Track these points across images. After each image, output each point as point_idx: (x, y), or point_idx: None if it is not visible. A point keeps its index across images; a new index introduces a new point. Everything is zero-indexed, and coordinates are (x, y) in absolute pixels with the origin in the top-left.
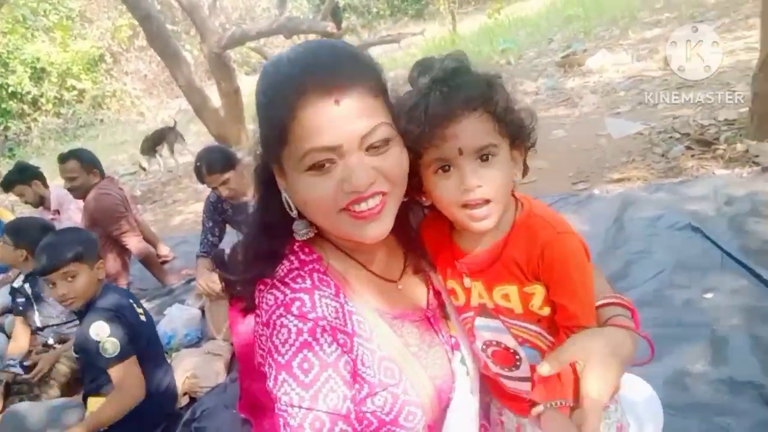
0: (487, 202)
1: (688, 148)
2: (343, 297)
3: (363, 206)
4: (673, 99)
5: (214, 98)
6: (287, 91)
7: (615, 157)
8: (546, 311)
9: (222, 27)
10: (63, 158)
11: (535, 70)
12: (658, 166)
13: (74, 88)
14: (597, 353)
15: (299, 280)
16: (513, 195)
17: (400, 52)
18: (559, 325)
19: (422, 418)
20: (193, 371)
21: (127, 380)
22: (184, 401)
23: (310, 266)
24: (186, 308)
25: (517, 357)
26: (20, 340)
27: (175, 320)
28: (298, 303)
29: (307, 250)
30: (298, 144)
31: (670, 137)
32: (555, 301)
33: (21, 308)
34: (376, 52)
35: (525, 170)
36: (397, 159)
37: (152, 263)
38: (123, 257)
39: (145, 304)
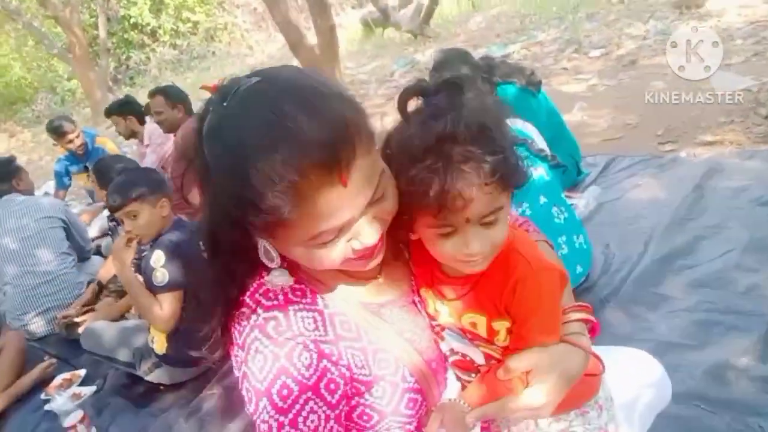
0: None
1: None
2: (322, 302)
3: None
4: None
5: (313, 35)
6: (285, 176)
7: (713, 116)
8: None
9: None
10: (151, 93)
11: (648, 10)
12: (758, 130)
13: (189, 20)
14: (540, 369)
15: (271, 296)
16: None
17: None
18: (514, 348)
19: (423, 403)
20: None
21: (163, 309)
22: None
23: None
24: None
25: (479, 368)
26: (110, 264)
27: None
28: (272, 323)
29: None
30: (304, 228)
31: None
32: (517, 332)
33: (111, 228)
34: None
35: None
36: (392, 198)
37: None
38: None
39: None
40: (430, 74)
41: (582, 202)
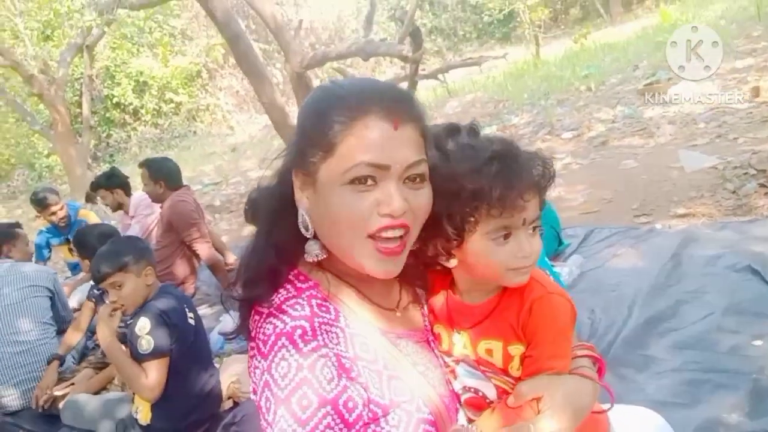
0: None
1: (762, 185)
2: (344, 321)
3: (389, 233)
4: (755, 133)
5: (295, 116)
6: (349, 105)
7: (683, 192)
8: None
9: (312, 47)
10: (139, 165)
11: (615, 97)
12: (727, 203)
13: (172, 101)
14: (552, 397)
15: (297, 307)
16: None
17: (481, 76)
18: (526, 374)
19: None
20: (237, 376)
21: (149, 377)
22: (227, 405)
23: (308, 293)
24: None
25: (492, 406)
26: (81, 324)
27: (229, 326)
28: (299, 331)
29: (302, 278)
30: (348, 155)
31: (745, 173)
32: (530, 355)
33: (96, 296)
34: (458, 75)
35: None
36: (426, 198)
37: (219, 270)
38: (192, 262)
39: (207, 309)
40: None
41: (565, 270)
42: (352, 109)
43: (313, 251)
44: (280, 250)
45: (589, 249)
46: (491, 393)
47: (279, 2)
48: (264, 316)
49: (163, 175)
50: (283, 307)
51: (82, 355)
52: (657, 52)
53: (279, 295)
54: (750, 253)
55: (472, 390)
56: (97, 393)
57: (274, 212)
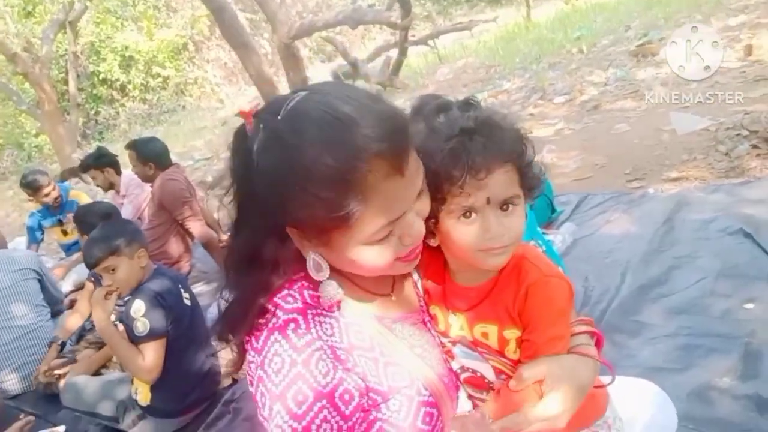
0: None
1: (754, 146)
2: (337, 310)
3: (415, 252)
4: (747, 93)
5: (285, 88)
6: (352, 169)
7: (676, 155)
8: (516, 357)
9: (299, 15)
10: (126, 147)
11: (607, 59)
12: (720, 165)
13: (159, 75)
14: (554, 379)
15: (290, 299)
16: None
17: (472, 40)
18: (525, 357)
19: (439, 417)
20: None
21: (146, 359)
22: (227, 382)
23: (299, 284)
24: None
25: (491, 385)
26: (81, 307)
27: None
28: (292, 325)
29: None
30: (367, 223)
31: (737, 134)
32: (528, 339)
33: (95, 275)
34: (448, 40)
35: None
36: (428, 200)
37: (213, 247)
38: (186, 240)
39: (204, 287)
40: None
41: (558, 238)
42: (357, 174)
43: (329, 293)
44: (261, 292)
45: (582, 216)
46: (489, 374)
47: None
48: (260, 315)
49: (153, 157)
50: (275, 300)
51: (80, 336)
52: (648, 11)
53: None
54: (742, 216)
55: (470, 370)
56: (97, 372)
57: (253, 257)
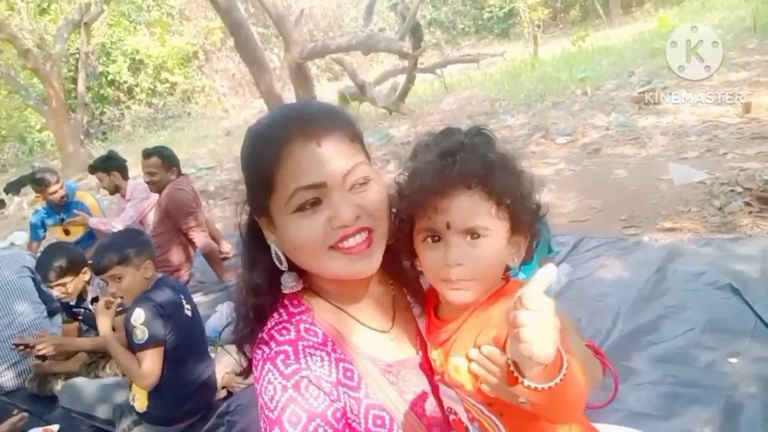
0: (471, 282)
1: (747, 204)
2: (331, 345)
3: (351, 242)
4: (744, 149)
5: None
6: (273, 141)
7: (671, 205)
8: (486, 389)
9: (310, 34)
10: (147, 154)
11: (610, 103)
12: (713, 220)
13: (167, 80)
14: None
15: (284, 332)
16: (505, 279)
17: (478, 72)
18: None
19: None
20: (233, 367)
21: (143, 366)
22: (222, 394)
23: (297, 317)
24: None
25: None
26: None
27: (225, 316)
28: (282, 356)
29: (295, 302)
30: (285, 186)
31: (732, 190)
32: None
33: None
34: (455, 70)
35: (529, 254)
36: (377, 195)
37: (214, 259)
38: (188, 250)
39: (202, 297)
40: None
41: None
42: (276, 144)
43: (288, 284)
44: (258, 290)
45: (578, 258)
46: (463, 415)
47: None
48: (257, 341)
49: (176, 162)
50: (272, 332)
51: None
52: (653, 59)
53: (272, 320)
54: (731, 271)
55: (453, 411)
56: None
57: (250, 258)
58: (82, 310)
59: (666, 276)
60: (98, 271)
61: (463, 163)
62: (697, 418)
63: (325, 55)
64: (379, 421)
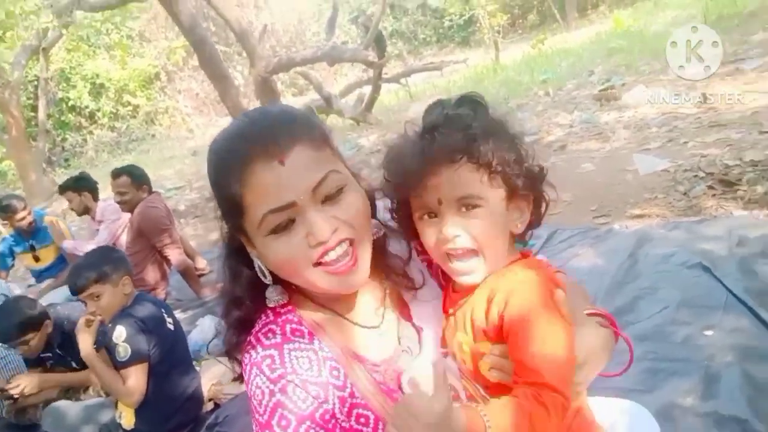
0: (473, 253)
1: (710, 187)
2: (318, 344)
3: (332, 255)
4: (703, 138)
5: None
6: (233, 165)
7: (638, 193)
8: (494, 376)
9: (272, 49)
10: (116, 173)
11: (572, 102)
12: (679, 204)
13: (129, 103)
14: (592, 347)
15: (270, 335)
16: (523, 254)
17: (442, 80)
18: (515, 382)
19: None
20: (219, 379)
21: (128, 383)
22: (209, 406)
23: (284, 317)
24: (218, 320)
25: None
26: None
27: (206, 330)
28: (268, 361)
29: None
30: (254, 211)
31: (695, 176)
32: (515, 359)
33: None
34: (419, 78)
35: (538, 219)
36: (353, 204)
37: (190, 275)
38: (163, 268)
39: (180, 314)
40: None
41: None
42: (236, 166)
43: (273, 297)
44: (241, 302)
45: (552, 249)
46: (462, 394)
47: (239, 4)
48: (244, 347)
49: (147, 181)
50: (258, 335)
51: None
52: (610, 58)
53: (259, 323)
54: (700, 251)
55: (452, 388)
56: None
57: (232, 271)
58: (50, 355)
59: (638, 260)
60: (75, 291)
61: (444, 138)
62: (678, 389)
63: (290, 69)
64: (363, 420)
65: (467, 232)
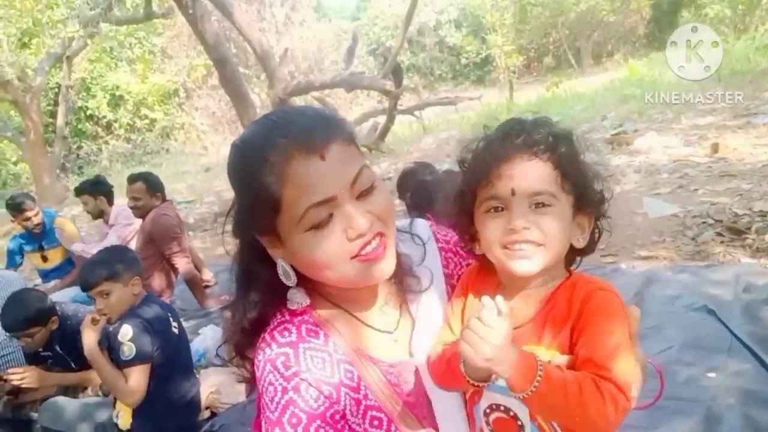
0: (538, 246)
1: (719, 234)
2: (333, 346)
3: (369, 249)
4: (714, 186)
5: None
6: (273, 159)
7: (647, 236)
8: None
9: (291, 75)
10: (132, 179)
11: (592, 149)
12: (687, 249)
13: (146, 117)
14: (640, 369)
15: (285, 333)
16: (567, 270)
17: (456, 115)
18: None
19: None
20: (217, 387)
21: (130, 383)
22: (205, 414)
23: (299, 317)
24: (220, 330)
25: (523, 431)
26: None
27: (208, 339)
28: (282, 358)
29: None
30: (294, 205)
31: (703, 222)
32: (583, 357)
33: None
34: (433, 112)
35: (591, 245)
36: (384, 199)
37: (196, 285)
38: (170, 276)
39: (184, 323)
40: (398, 182)
41: None
42: (276, 162)
43: (296, 300)
44: (259, 308)
45: None
46: (523, 413)
47: (261, 29)
48: (258, 343)
49: (162, 188)
50: (273, 333)
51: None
52: (624, 105)
53: (274, 320)
54: (706, 295)
55: (501, 408)
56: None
57: (248, 275)
58: (50, 353)
59: (644, 299)
60: (86, 286)
61: (530, 132)
62: (680, 429)
63: (308, 92)
64: (376, 422)
65: (536, 227)
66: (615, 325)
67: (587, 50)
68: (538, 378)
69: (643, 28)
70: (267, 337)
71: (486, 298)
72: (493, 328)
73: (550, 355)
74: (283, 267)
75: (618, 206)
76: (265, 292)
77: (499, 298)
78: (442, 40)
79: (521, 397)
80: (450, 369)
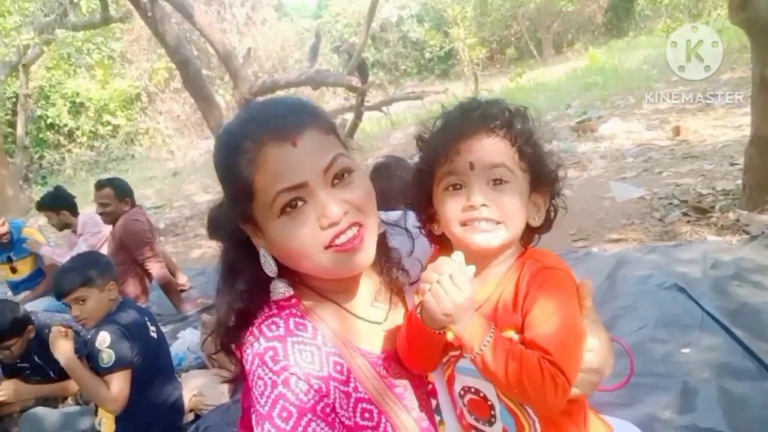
0: (497, 224)
1: (685, 214)
2: (321, 339)
3: (343, 238)
4: (677, 168)
5: None
6: (246, 147)
7: (615, 219)
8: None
9: (255, 75)
10: (99, 185)
11: (550, 132)
12: (655, 230)
13: (109, 123)
14: (605, 351)
15: (273, 327)
16: (524, 247)
17: (422, 109)
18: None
19: None
20: (200, 390)
21: (111, 390)
22: (189, 417)
23: (287, 311)
24: (198, 333)
25: (493, 411)
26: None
27: (187, 343)
28: (270, 353)
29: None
30: (266, 191)
31: (670, 203)
32: (528, 338)
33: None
34: (400, 108)
35: (548, 223)
36: (362, 188)
37: (171, 290)
38: (144, 281)
39: (162, 328)
40: (370, 175)
41: None
42: (248, 149)
43: (278, 290)
44: (245, 299)
45: None
46: (491, 393)
47: (223, 30)
48: (246, 337)
49: (130, 193)
50: (262, 327)
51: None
52: (587, 93)
53: (262, 314)
54: (676, 273)
55: (473, 390)
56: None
57: (233, 267)
58: (27, 365)
59: (616, 281)
60: (61, 293)
61: (487, 108)
62: (658, 403)
63: (274, 91)
64: (367, 415)
65: (494, 204)
66: (560, 304)
67: (548, 41)
68: (485, 343)
69: (601, 16)
70: (255, 330)
71: (457, 252)
72: (459, 288)
73: (507, 336)
74: (264, 257)
75: (586, 191)
76: (251, 283)
77: (465, 261)
78: (405, 36)
79: (471, 359)
80: (408, 331)
